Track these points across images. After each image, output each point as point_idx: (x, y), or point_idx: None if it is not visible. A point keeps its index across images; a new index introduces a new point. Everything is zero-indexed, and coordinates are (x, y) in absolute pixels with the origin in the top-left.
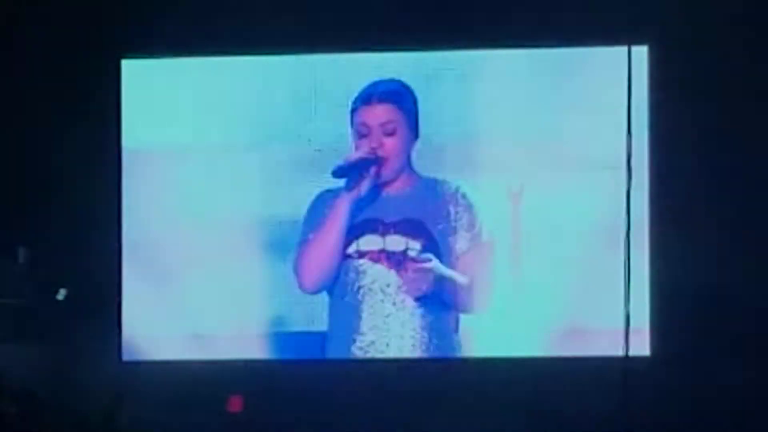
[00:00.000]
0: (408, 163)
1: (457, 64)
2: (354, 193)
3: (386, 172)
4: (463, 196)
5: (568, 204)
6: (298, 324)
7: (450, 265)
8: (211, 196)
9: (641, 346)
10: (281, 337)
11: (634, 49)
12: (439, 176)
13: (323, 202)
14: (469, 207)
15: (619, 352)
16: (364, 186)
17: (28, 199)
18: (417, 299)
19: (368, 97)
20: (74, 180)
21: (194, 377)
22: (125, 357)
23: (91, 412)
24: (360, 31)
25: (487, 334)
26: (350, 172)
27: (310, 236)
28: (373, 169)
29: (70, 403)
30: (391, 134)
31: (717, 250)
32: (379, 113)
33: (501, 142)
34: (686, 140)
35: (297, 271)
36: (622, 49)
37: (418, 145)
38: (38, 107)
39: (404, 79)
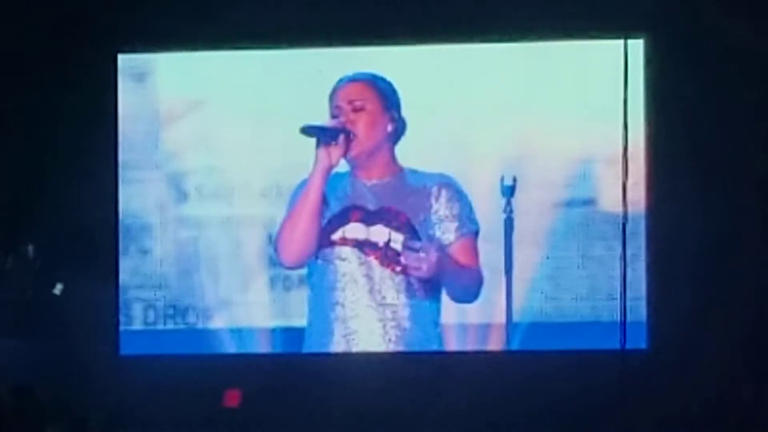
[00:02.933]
0: (390, 153)
1: (451, 57)
2: (326, 162)
3: (356, 150)
4: (447, 190)
5: (563, 196)
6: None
7: None
8: (210, 195)
9: (638, 339)
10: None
11: (630, 42)
12: (425, 168)
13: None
14: (453, 201)
15: (616, 346)
16: (335, 155)
17: (23, 194)
18: (417, 281)
19: (341, 81)
20: (70, 175)
21: (192, 371)
22: (123, 351)
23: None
24: (356, 24)
25: (481, 327)
26: (320, 133)
27: (288, 211)
28: (341, 137)
29: (68, 398)
30: (359, 110)
31: (715, 243)
32: (349, 91)
33: (494, 134)
34: (683, 132)
35: (276, 246)
36: (618, 42)
37: (407, 137)
38: (34, 102)
39: (394, 72)
